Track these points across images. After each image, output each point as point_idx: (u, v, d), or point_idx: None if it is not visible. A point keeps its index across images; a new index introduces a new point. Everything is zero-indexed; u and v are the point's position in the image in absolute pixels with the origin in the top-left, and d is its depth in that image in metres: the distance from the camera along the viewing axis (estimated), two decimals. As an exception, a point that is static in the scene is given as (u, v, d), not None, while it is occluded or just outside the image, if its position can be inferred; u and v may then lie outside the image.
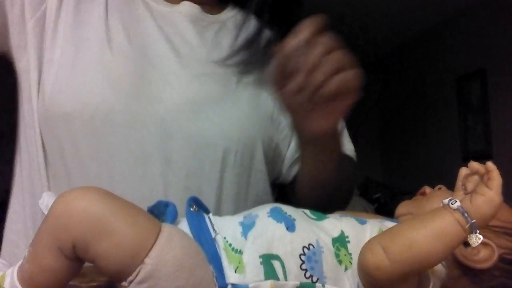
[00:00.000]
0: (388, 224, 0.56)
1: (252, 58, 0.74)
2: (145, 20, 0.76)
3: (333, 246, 0.51)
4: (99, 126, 0.68)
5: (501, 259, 0.55)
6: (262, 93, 0.77)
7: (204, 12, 0.80)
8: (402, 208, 0.62)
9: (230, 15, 0.82)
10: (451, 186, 0.54)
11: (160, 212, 0.54)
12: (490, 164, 0.46)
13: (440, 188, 0.63)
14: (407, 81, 4.04)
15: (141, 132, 0.70)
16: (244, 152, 0.73)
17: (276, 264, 0.48)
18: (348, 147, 0.83)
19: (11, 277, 0.44)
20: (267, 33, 0.77)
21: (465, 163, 0.51)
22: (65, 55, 0.72)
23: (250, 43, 0.75)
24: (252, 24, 0.78)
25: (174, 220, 0.52)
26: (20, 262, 0.45)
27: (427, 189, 0.63)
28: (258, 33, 0.76)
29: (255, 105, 0.77)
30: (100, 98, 0.69)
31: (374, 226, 0.54)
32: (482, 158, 0.48)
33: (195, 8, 0.79)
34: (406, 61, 4.07)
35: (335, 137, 0.69)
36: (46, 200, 0.52)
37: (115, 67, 0.71)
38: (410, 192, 0.67)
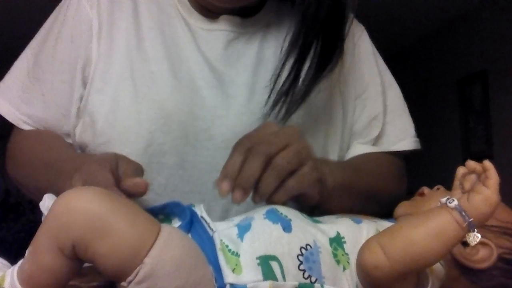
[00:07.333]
0: (383, 223, 0.56)
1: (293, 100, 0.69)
2: (186, 44, 0.74)
3: (331, 246, 0.52)
4: (146, 166, 0.66)
5: (500, 259, 0.55)
6: (312, 116, 0.75)
7: (245, 19, 0.76)
8: (401, 208, 0.63)
9: (273, 10, 0.79)
10: (452, 187, 0.54)
11: (172, 212, 0.55)
12: (487, 163, 0.46)
13: (438, 189, 0.63)
14: (408, 83, 4.03)
15: (190, 171, 0.70)
16: None
17: (274, 265, 0.48)
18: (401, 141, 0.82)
19: (11, 277, 0.44)
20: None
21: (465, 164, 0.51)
22: (116, 91, 0.71)
23: (290, 84, 0.69)
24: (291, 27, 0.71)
25: (187, 225, 0.52)
26: (20, 262, 0.45)
27: (426, 189, 0.64)
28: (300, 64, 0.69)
29: (306, 130, 0.74)
30: (146, 141, 0.69)
31: (370, 225, 0.55)
32: (483, 159, 0.48)
33: (235, 20, 0.75)
34: (408, 64, 4.08)
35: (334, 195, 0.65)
36: (47, 202, 0.52)
37: (161, 105, 0.70)
38: (410, 193, 0.68)
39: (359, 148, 0.81)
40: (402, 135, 0.83)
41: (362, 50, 0.83)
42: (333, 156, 0.79)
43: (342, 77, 0.81)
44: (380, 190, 0.75)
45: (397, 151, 0.83)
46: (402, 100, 0.86)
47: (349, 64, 0.81)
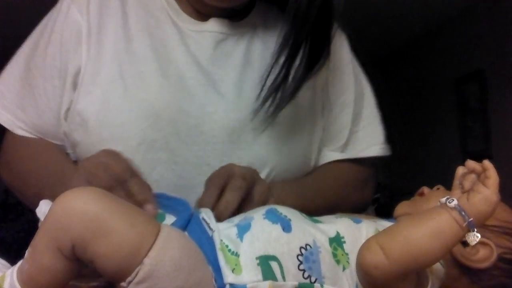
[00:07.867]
0: (383, 223, 0.56)
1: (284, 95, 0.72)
2: (175, 45, 0.76)
3: (330, 246, 0.52)
4: (140, 163, 0.68)
5: (500, 258, 0.55)
6: (298, 114, 0.77)
7: (234, 22, 0.78)
8: (401, 208, 0.63)
9: (260, 14, 0.82)
10: (450, 186, 0.54)
11: (173, 208, 0.55)
12: (486, 163, 0.46)
13: (438, 189, 0.63)
14: (406, 82, 4.04)
15: (182, 166, 0.71)
16: (282, 176, 0.74)
17: (274, 265, 0.48)
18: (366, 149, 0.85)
19: (11, 277, 0.44)
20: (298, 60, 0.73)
21: (464, 164, 0.51)
22: (105, 90, 0.72)
23: (281, 81, 0.71)
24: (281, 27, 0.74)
25: (183, 224, 0.52)
26: (19, 263, 0.45)
27: (426, 189, 0.64)
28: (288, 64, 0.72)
29: (292, 127, 0.77)
30: (138, 138, 0.70)
31: (369, 225, 0.55)
32: (481, 158, 0.48)
33: (224, 23, 0.78)
34: (405, 63, 4.08)
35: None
36: (44, 208, 0.52)
37: (151, 104, 0.71)
38: (409, 193, 0.68)
39: (328, 156, 0.84)
40: (372, 141, 0.86)
41: (343, 57, 0.85)
42: (314, 154, 0.82)
43: (327, 79, 0.83)
44: (339, 203, 0.78)
45: (366, 158, 0.85)
46: (375, 107, 0.89)
47: (331, 68, 0.83)
